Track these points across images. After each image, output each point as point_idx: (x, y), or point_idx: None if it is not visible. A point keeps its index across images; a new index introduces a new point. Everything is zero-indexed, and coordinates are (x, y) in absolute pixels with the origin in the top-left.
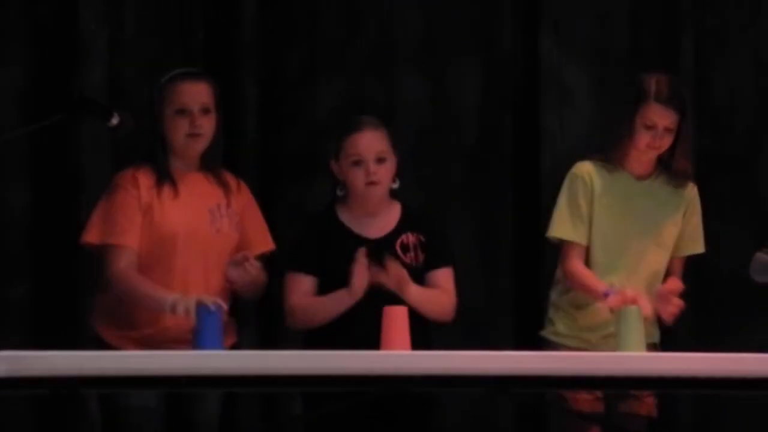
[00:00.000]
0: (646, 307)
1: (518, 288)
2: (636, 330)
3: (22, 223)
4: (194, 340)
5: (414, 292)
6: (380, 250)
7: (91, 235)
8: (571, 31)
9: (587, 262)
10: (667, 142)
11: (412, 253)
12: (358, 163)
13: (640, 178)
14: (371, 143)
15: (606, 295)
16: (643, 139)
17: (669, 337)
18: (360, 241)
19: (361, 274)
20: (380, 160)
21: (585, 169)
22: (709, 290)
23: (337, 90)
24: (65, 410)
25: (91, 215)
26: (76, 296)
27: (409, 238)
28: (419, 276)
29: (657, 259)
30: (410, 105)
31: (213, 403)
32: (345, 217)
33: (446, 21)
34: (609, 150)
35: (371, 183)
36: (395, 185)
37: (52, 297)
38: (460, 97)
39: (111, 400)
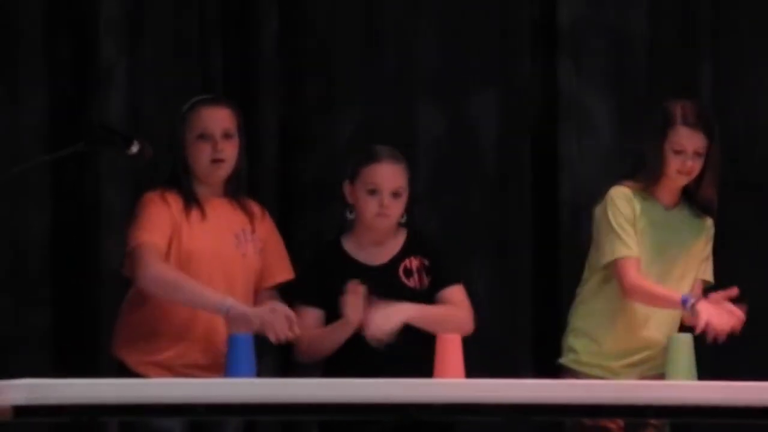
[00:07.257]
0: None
1: (537, 317)
2: (687, 359)
3: (43, 250)
4: (227, 367)
5: (414, 315)
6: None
7: (128, 244)
8: (589, 59)
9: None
10: (697, 166)
11: (415, 277)
12: (373, 192)
13: (668, 207)
14: (390, 176)
15: (684, 302)
16: (673, 164)
17: None
18: (364, 269)
19: (353, 305)
20: (395, 195)
21: (623, 191)
22: None
23: (356, 119)
24: None
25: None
26: (96, 324)
27: (412, 262)
28: (426, 299)
29: (677, 289)
30: (428, 134)
31: (235, 428)
32: (350, 246)
33: (464, 50)
34: (640, 179)
35: (382, 215)
36: (403, 219)
37: (73, 325)
38: (478, 126)
39: (132, 425)
